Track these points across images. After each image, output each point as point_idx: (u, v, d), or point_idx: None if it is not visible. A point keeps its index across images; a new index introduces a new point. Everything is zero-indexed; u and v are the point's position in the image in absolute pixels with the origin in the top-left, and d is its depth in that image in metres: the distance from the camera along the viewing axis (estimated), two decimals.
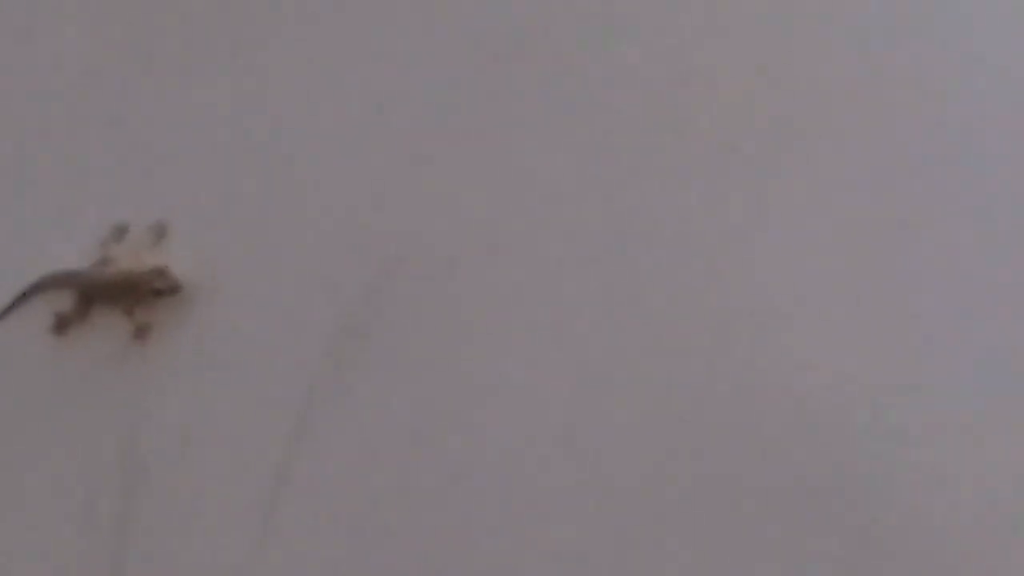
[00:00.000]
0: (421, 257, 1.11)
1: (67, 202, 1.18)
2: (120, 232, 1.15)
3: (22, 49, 1.25)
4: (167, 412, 1.09)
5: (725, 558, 0.99)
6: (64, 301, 1.13)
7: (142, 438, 1.08)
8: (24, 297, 1.13)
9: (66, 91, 1.22)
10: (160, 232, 1.15)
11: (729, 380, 1.03)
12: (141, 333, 1.11)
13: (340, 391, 1.07)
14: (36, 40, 1.25)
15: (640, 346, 1.06)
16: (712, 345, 1.05)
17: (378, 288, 1.10)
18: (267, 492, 1.04)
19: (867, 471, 0.99)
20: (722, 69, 1.15)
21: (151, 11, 1.24)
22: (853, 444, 1.00)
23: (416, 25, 1.21)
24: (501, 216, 1.12)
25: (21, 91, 1.24)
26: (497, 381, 1.06)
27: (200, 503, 1.06)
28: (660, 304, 1.07)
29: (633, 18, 1.18)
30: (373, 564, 1.02)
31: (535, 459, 1.03)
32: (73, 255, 1.14)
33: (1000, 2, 1.14)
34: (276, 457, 1.05)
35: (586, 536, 1.01)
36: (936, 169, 1.09)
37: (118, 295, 1.12)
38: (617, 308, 1.08)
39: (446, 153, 1.16)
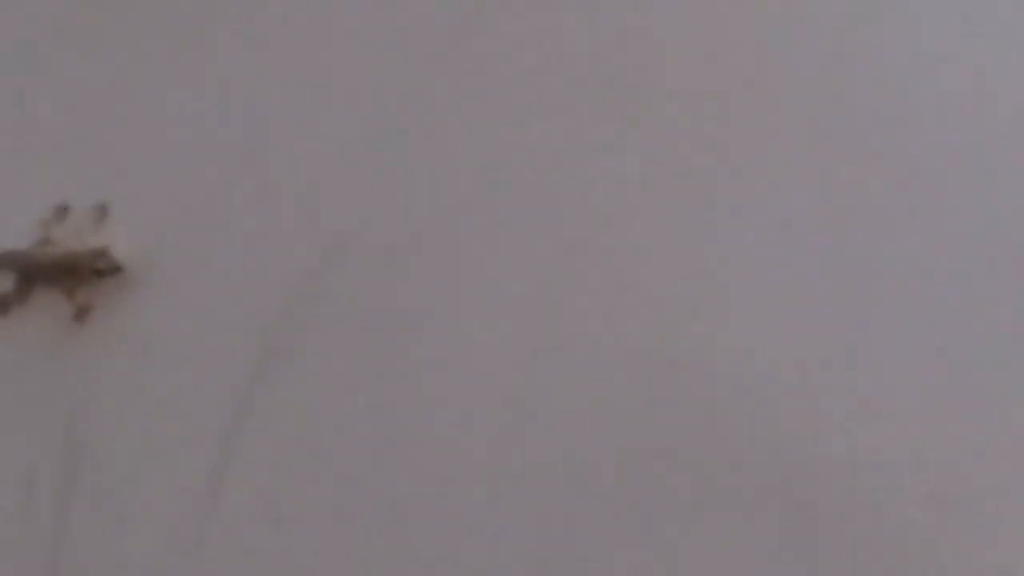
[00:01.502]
0: (364, 240, 1.11)
1: (8, 182, 1.17)
2: (61, 213, 1.15)
3: None
4: (107, 393, 1.09)
5: (669, 543, 0.99)
6: (4, 282, 1.13)
7: (82, 419, 1.08)
8: None
9: (5, 72, 1.22)
10: (101, 213, 1.14)
11: (673, 367, 1.04)
12: (82, 314, 1.11)
13: (281, 372, 1.07)
14: None
15: (587, 334, 1.06)
16: (656, 333, 1.05)
17: (320, 271, 1.10)
18: (209, 473, 1.04)
19: (808, 455, 1.00)
20: (671, 66, 1.16)
21: None
22: (793, 428, 1.01)
23: (364, 9, 1.21)
24: (446, 204, 1.13)
25: None
26: (440, 366, 1.07)
27: (141, 484, 1.05)
28: (607, 292, 1.08)
29: (589, 16, 1.19)
30: (318, 543, 1.02)
31: (480, 450, 1.04)
32: (14, 235, 1.14)
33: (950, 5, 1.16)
34: (217, 438, 1.05)
35: (533, 525, 1.01)
36: (879, 160, 1.10)
37: (59, 276, 1.11)
38: (563, 297, 1.08)
39: (392, 139, 1.16)
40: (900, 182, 1.09)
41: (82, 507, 1.05)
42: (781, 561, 0.97)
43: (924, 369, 1.02)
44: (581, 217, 1.11)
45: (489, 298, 1.09)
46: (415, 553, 1.01)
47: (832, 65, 1.13)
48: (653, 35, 1.17)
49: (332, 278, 1.10)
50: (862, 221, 1.08)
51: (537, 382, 1.05)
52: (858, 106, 1.12)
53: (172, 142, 1.17)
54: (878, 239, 1.07)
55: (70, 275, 1.11)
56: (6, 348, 1.12)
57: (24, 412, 1.09)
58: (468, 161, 1.14)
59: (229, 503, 1.04)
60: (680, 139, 1.12)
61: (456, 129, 1.15)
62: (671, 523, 1.00)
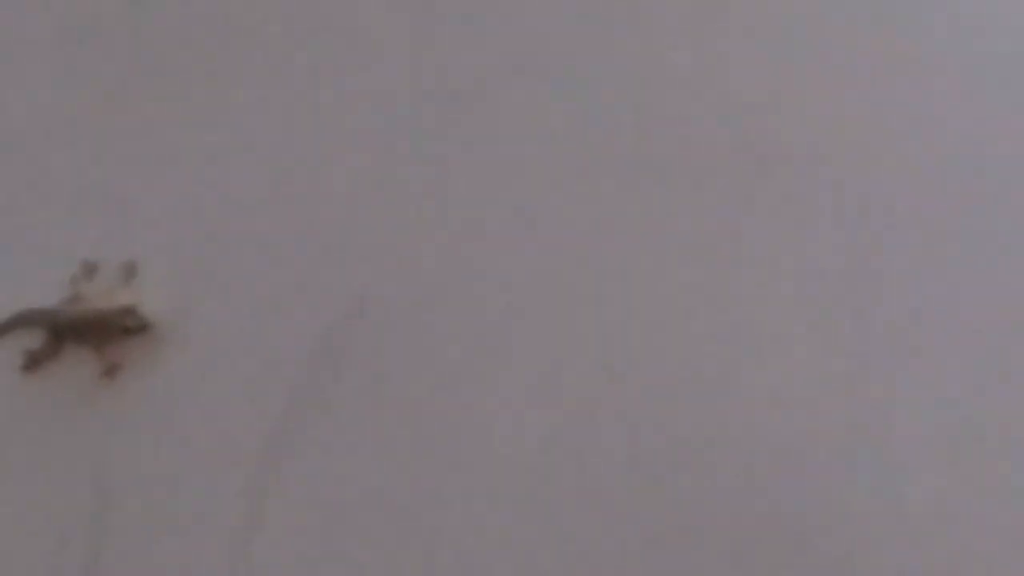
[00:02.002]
0: (391, 296, 1.13)
1: (37, 240, 1.18)
2: (90, 270, 1.16)
3: None
4: (136, 450, 1.10)
5: None
6: (34, 339, 1.14)
7: (111, 476, 1.09)
8: None
9: (35, 129, 1.23)
10: (130, 271, 1.16)
11: (701, 418, 1.06)
12: (110, 371, 1.12)
13: (308, 429, 1.09)
14: (6, 78, 1.26)
15: (609, 384, 1.08)
16: (684, 382, 1.07)
17: (347, 328, 1.12)
18: (237, 530, 1.06)
19: (840, 507, 1.02)
20: (700, 103, 1.18)
21: (122, 50, 1.25)
22: (823, 479, 1.03)
23: (381, 62, 1.23)
24: (471, 253, 1.14)
25: None
26: (466, 419, 1.08)
27: (170, 538, 1.07)
28: (631, 343, 1.09)
29: (607, 55, 1.21)
30: None
31: (506, 506, 1.05)
32: (43, 293, 1.15)
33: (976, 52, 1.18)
34: (244, 493, 1.07)
35: None
36: (905, 205, 1.12)
37: (88, 333, 1.13)
38: (587, 347, 1.10)
39: (415, 192, 1.17)
40: (934, 231, 1.11)
41: (112, 561, 1.06)
42: None
43: (954, 428, 1.04)
44: (611, 271, 1.12)
45: (513, 350, 1.10)
46: None
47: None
48: (673, 85, 1.19)
49: (356, 335, 1.12)
50: (891, 275, 1.10)
51: (563, 440, 1.07)
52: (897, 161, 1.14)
53: (199, 201, 1.18)
54: (907, 294, 1.09)
55: (99, 332, 1.12)
56: (36, 404, 1.13)
57: (54, 467, 1.10)
58: (492, 218, 1.16)
59: (257, 558, 1.05)
60: (712, 190, 1.14)
61: (481, 181, 1.17)
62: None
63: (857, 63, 1.19)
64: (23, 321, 1.15)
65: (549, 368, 1.09)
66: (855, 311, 1.09)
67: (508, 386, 1.09)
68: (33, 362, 1.14)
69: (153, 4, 1.27)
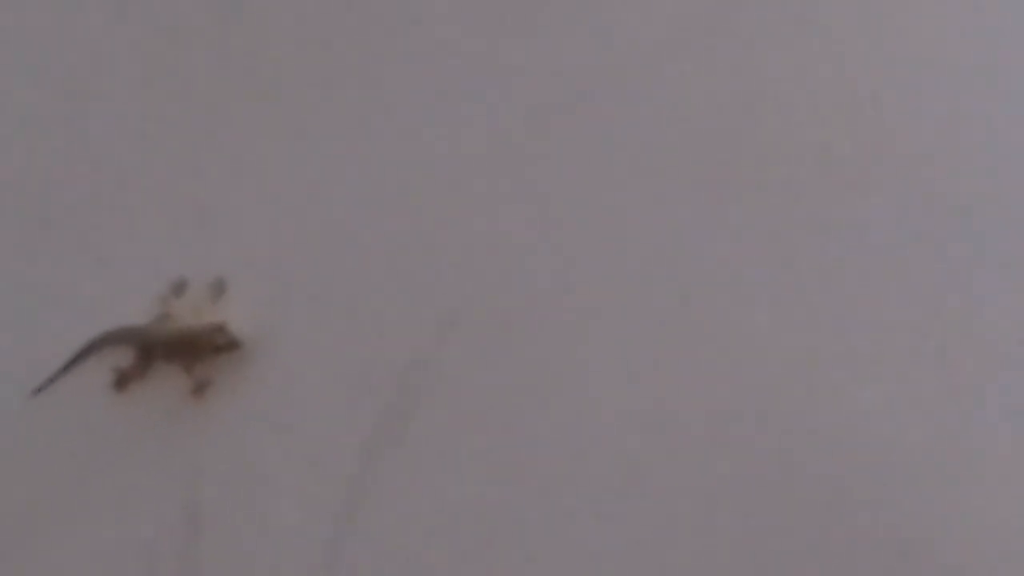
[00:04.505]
0: (480, 313, 1.12)
1: (127, 258, 1.18)
2: (179, 288, 1.16)
3: (81, 105, 1.26)
4: (226, 468, 1.09)
5: None
6: (124, 357, 1.14)
7: (201, 494, 1.08)
8: (84, 353, 1.14)
9: (125, 146, 1.23)
10: (219, 288, 1.15)
11: (785, 429, 1.04)
12: (200, 389, 1.12)
13: (398, 447, 1.07)
14: (95, 97, 1.26)
15: (703, 394, 1.07)
16: (770, 393, 1.06)
17: (437, 345, 1.11)
18: (327, 548, 1.05)
19: (925, 520, 1.00)
20: (786, 110, 1.17)
21: (210, 67, 1.26)
22: (910, 493, 1.01)
23: (467, 78, 1.22)
24: (561, 269, 1.13)
25: (80, 147, 1.25)
26: (557, 435, 1.07)
27: (259, 558, 1.06)
28: (727, 357, 1.08)
29: (704, 63, 1.20)
30: None
31: (598, 521, 1.04)
32: (133, 311, 1.15)
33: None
34: (335, 513, 1.06)
35: None
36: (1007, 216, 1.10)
37: (177, 351, 1.12)
38: (682, 361, 1.08)
39: (505, 207, 1.16)
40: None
41: None
42: None
43: None
44: (703, 282, 1.11)
45: (604, 364, 1.09)
46: None
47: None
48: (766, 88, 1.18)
49: (449, 349, 1.10)
50: (976, 287, 1.08)
51: (659, 454, 1.05)
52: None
53: (289, 217, 1.18)
54: (995, 304, 1.07)
55: (189, 350, 1.12)
56: (126, 423, 1.12)
57: (143, 486, 1.10)
58: (584, 231, 1.14)
59: None
60: (805, 200, 1.13)
61: (571, 196, 1.16)
62: None
63: (962, 71, 1.17)
64: (112, 339, 1.14)
65: (643, 382, 1.08)
66: (954, 323, 1.07)
67: (601, 399, 1.08)
68: (122, 380, 1.14)
69: (247, 16, 1.26)
